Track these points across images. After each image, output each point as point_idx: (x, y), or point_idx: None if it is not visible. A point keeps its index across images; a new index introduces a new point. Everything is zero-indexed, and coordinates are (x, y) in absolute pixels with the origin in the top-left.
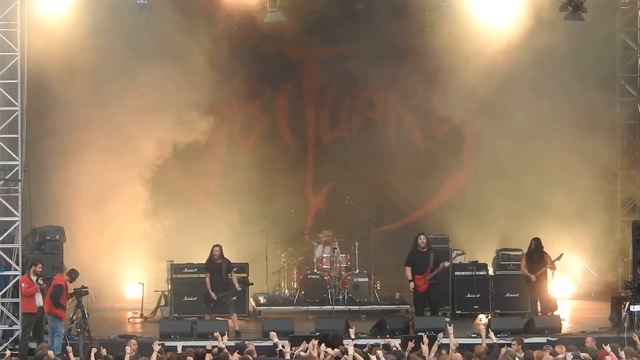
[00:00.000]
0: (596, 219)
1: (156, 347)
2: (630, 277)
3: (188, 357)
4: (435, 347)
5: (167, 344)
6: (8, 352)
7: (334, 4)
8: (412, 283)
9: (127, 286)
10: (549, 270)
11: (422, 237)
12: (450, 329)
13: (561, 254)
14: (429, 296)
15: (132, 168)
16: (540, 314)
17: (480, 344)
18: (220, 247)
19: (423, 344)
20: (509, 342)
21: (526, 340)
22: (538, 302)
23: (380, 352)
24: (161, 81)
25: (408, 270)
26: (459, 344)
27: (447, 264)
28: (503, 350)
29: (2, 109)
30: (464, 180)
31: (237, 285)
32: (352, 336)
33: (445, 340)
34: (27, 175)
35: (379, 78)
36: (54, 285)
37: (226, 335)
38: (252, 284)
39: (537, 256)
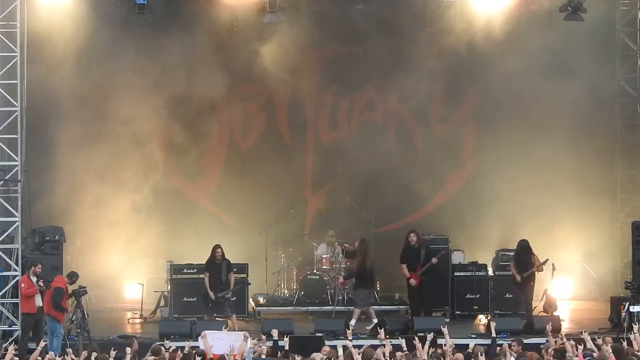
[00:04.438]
0: (596, 220)
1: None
2: (630, 278)
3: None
4: (426, 347)
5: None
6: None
7: (334, 5)
8: (410, 280)
9: (127, 287)
10: (550, 271)
11: (412, 234)
12: (445, 329)
13: (546, 260)
14: (423, 292)
15: (132, 168)
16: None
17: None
18: (222, 247)
19: (417, 344)
20: (509, 342)
21: (526, 341)
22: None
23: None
24: (162, 81)
25: (404, 267)
26: (455, 344)
27: (434, 260)
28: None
29: (2, 109)
30: (463, 180)
31: (232, 284)
32: (350, 337)
33: (441, 341)
34: (26, 175)
35: (379, 78)
36: (55, 288)
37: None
38: (250, 284)
39: (524, 258)
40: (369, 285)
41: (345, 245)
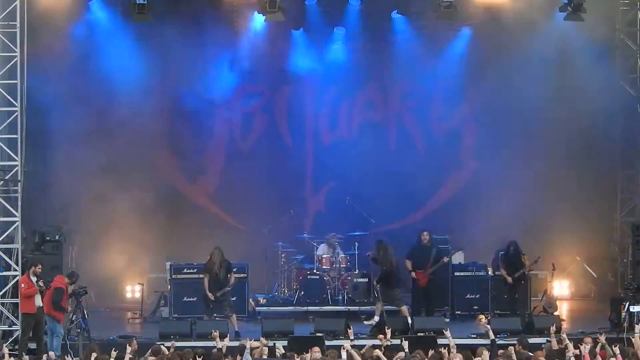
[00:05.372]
0: (596, 220)
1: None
2: (629, 278)
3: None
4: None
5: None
6: (6, 350)
7: (333, 4)
8: (413, 273)
9: (127, 286)
10: (550, 271)
11: (425, 233)
12: (448, 332)
13: (537, 258)
14: (429, 292)
15: (132, 168)
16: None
17: (481, 344)
18: (221, 249)
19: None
20: (513, 342)
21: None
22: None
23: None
24: (162, 80)
25: (408, 263)
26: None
27: (446, 259)
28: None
29: (2, 109)
30: (463, 180)
31: (231, 283)
32: (351, 337)
33: (442, 341)
34: (26, 175)
35: (379, 78)
36: (55, 288)
37: (227, 337)
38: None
39: (513, 259)
40: (395, 284)
41: (369, 253)
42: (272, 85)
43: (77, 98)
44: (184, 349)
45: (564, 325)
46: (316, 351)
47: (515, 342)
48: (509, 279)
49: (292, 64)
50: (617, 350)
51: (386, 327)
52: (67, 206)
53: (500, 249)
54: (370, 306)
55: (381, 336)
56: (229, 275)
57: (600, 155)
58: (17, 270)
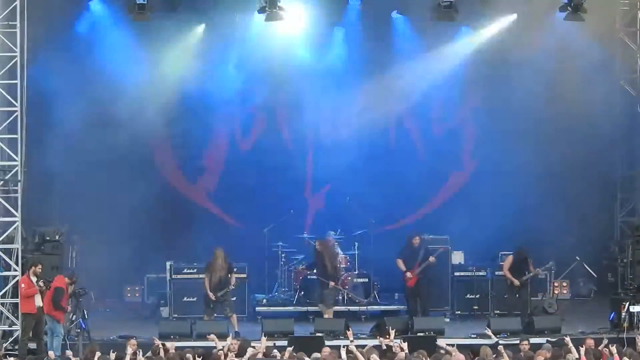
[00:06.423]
0: (596, 220)
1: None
2: (629, 278)
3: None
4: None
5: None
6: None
7: (333, 3)
8: (408, 273)
9: (127, 286)
10: (550, 271)
11: (416, 237)
12: (443, 342)
13: (546, 265)
14: (419, 292)
15: (133, 168)
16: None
17: (484, 344)
18: (222, 249)
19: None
20: (514, 342)
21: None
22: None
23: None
24: (162, 79)
25: (400, 262)
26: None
27: (432, 258)
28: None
29: (2, 109)
30: (463, 180)
31: (232, 283)
32: (350, 338)
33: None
34: (26, 175)
35: (379, 78)
36: (55, 288)
37: (230, 337)
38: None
39: (521, 265)
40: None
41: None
42: (272, 84)
43: (77, 99)
44: (183, 349)
45: (564, 325)
46: (326, 352)
47: (516, 342)
48: (517, 282)
49: (292, 64)
50: (614, 349)
51: (390, 328)
52: (67, 206)
53: (500, 250)
54: (371, 306)
55: (385, 338)
56: (229, 276)
57: (600, 155)
58: (17, 270)
